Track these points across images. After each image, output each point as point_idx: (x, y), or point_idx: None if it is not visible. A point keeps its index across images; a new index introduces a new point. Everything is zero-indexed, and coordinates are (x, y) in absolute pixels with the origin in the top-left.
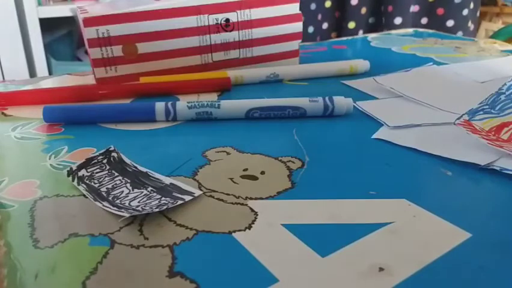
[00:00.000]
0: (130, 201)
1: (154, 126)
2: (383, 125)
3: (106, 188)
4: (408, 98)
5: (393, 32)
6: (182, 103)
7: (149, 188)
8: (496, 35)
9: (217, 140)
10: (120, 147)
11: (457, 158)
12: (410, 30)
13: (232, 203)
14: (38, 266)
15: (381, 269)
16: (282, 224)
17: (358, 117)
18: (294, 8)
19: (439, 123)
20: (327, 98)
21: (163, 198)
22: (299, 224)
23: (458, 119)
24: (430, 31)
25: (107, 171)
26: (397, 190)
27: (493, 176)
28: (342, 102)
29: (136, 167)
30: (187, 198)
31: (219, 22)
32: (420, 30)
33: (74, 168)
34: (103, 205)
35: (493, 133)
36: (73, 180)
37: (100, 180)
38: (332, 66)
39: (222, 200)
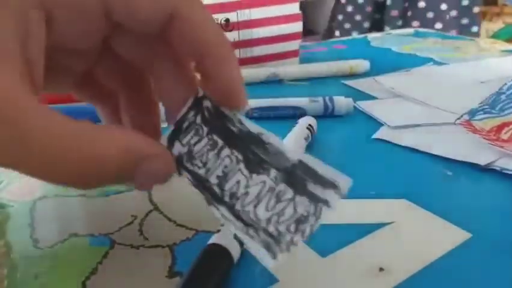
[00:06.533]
0: (255, 207)
1: None
2: (383, 125)
3: (217, 177)
4: (408, 98)
5: (393, 32)
6: None
7: (273, 172)
8: (496, 35)
9: None
10: None
11: (457, 158)
12: (410, 30)
13: None
14: (38, 266)
15: (381, 269)
16: None
17: (358, 117)
18: (294, 8)
19: (439, 123)
20: (327, 98)
21: (297, 199)
22: None
23: (458, 118)
24: (430, 31)
25: (207, 138)
26: (397, 190)
27: (493, 176)
28: (342, 102)
29: (241, 122)
30: (332, 198)
31: (219, 22)
32: (420, 30)
33: (165, 142)
34: (223, 215)
35: (493, 133)
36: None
37: (204, 160)
38: (332, 66)
39: None
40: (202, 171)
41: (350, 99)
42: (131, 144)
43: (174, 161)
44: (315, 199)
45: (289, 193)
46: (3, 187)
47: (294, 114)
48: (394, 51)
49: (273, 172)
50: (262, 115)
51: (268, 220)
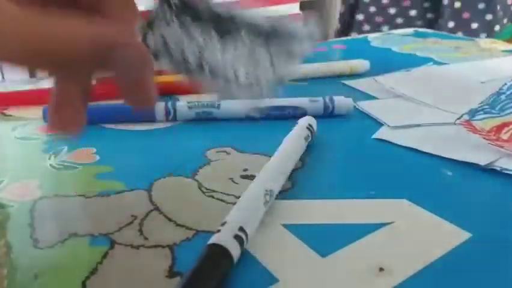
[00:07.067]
0: (235, 70)
1: (154, 126)
2: (383, 125)
3: (195, 56)
4: (408, 98)
5: (393, 32)
6: (183, 103)
7: (247, 39)
8: (496, 35)
9: (217, 140)
10: (120, 147)
11: (457, 158)
12: (410, 30)
13: (232, 203)
14: (38, 266)
15: (381, 269)
16: (282, 224)
17: (358, 117)
18: (294, 8)
19: (439, 123)
20: (327, 98)
21: (273, 50)
22: (299, 224)
23: (458, 118)
24: (430, 31)
25: (178, 26)
26: (397, 190)
27: (493, 176)
28: (342, 102)
29: (209, 6)
30: (307, 46)
31: None
32: (420, 30)
33: (140, 33)
34: (205, 83)
35: (493, 133)
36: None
37: (179, 45)
38: (332, 66)
39: (222, 200)
40: (178, 54)
41: (350, 99)
42: (102, 31)
43: (148, 50)
44: (287, 44)
45: (263, 49)
46: (3, 187)
47: (294, 114)
48: (394, 51)
49: (247, 39)
50: (262, 115)
51: (247, 74)
